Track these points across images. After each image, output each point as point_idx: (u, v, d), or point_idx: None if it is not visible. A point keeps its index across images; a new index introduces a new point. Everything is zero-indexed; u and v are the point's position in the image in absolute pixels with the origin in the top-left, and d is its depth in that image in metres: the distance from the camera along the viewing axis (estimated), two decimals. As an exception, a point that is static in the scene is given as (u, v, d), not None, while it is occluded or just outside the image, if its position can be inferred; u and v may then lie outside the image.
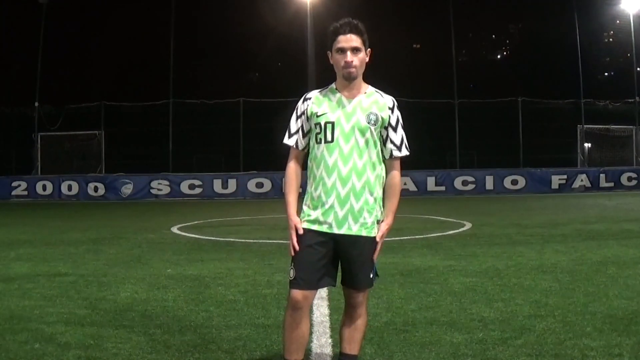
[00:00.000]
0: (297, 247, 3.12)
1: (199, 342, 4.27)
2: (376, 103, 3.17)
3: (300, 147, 3.23)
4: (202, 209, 18.67)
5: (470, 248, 8.68)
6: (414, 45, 47.14)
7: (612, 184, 25.29)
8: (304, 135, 3.22)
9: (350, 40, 3.08)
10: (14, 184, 25.11)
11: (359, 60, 3.10)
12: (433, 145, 28.87)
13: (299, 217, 3.18)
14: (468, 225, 11.94)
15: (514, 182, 25.09)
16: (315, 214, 3.12)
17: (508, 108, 28.56)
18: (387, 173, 3.24)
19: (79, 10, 34.29)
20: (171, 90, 28.63)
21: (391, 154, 3.20)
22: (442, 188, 24.82)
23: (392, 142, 3.19)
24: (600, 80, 46.38)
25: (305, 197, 3.20)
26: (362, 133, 3.11)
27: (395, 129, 3.19)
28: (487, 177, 25.12)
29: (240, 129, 27.57)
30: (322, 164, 3.11)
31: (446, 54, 31.00)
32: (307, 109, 3.20)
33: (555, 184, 25.16)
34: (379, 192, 3.19)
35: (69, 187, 24.90)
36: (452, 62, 29.96)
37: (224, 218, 14.46)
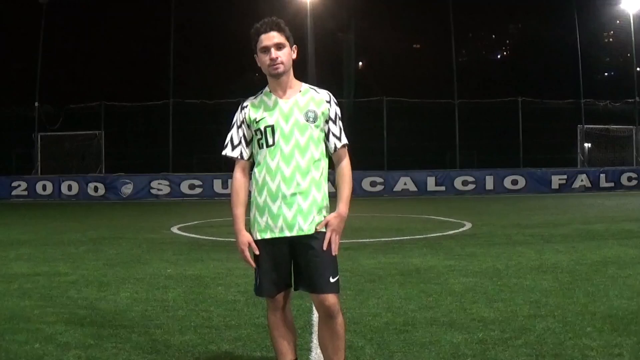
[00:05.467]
0: (253, 265, 3.11)
1: (199, 342, 4.27)
2: (312, 100, 3.15)
3: (245, 157, 3.19)
4: (202, 209, 18.66)
5: (470, 248, 8.68)
6: (414, 45, 47.09)
7: (612, 184, 25.30)
8: (247, 144, 3.19)
9: (272, 37, 3.06)
10: (14, 184, 25.12)
11: (284, 55, 3.08)
12: (433, 145, 28.87)
13: (249, 228, 3.15)
14: (468, 225, 11.94)
15: (514, 182, 25.09)
16: (264, 220, 3.08)
17: (508, 108, 28.54)
18: (336, 165, 3.21)
19: (79, 10, 34.25)
20: (171, 90, 28.64)
21: (335, 147, 3.18)
22: (442, 188, 24.81)
23: (333, 134, 3.17)
24: (600, 80, 46.29)
25: (251, 206, 3.16)
26: (302, 132, 3.08)
27: (335, 122, 3.17)
28: (487, 177, 25.12)
29: (241, 129, 27.52)
30: (265, 168, 3.08)
31: (446, 54, 30.99)
32: (245, 117, 3.17)
33: (555, 184, 25.17)
34: (326, 190, 3.14)
35: (69, 187, 24.90)
36: (452, 62, 29.95)
37: (224, 218, 14.44)
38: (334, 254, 3.06)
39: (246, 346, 4.17)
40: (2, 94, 28.85)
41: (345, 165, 3.19)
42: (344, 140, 3.19)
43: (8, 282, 6.50)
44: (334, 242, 3.06)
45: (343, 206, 3.11)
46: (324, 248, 3.04)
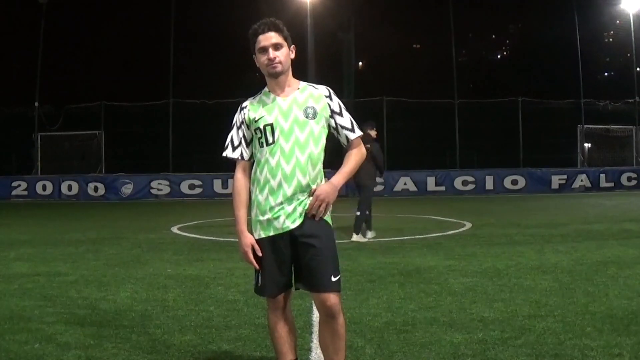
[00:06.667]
0: (257, 266, 3.11)
1: (199, 342, 4.27)
2: (311, 96, 3.15)
3: (246, 157, 3.20)
4: (202, 209, 18.66)
5: (470, 248, 8.68)
6: (414, 45, 47.14)
7: (612, 184, 25.28)
8: (247, 145, 3.20)
9: (270, 37, 3.08)
10: (14, 184, 25.10)
11: (282, 55, 3.09)
12: (433, 145, 28.85)
13: (250, 229, 3.14)
14: (468, 225, 11.94)
15: (514, 182, 25.09)
16: (266, 218, 3.08)
17: (508, 108, 28.53)
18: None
19: (79, 10, 34.26)
20: (171, 90, 28.62)
21: (347, 139, 3.19)
22: (442, 188, 24.81)
23: (343, 127, 3.17)
24: (600, 80, 46.33)
25: (253, 205, 3.16)
26: (302, 128, 3.08)
27: (341, 114, 3.18)
28: (487, 177, 25.12)
29: (241, 129, 27.51)
30: (266, 166, 3.09)
31: (446, 54, 30.98)
32: (244, 117, 3.18)
33: (555, 184, 25.16)
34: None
35: (69, 187, 24.89)
36: (452, 62, 29.94)
37: (224, 218, 14.44)
38: (316, 219, 3.05)
39: (246, 346, 4.18)
40: (2, 94, 28.82)
41: (356, 149, 3.19)
42: (358, 132, 3.19)
43: (8, 282, 6.51)
44: (320, 208, 3.03)
45: (337, 177, 3.11)
46: (309, 215, 3.03)
